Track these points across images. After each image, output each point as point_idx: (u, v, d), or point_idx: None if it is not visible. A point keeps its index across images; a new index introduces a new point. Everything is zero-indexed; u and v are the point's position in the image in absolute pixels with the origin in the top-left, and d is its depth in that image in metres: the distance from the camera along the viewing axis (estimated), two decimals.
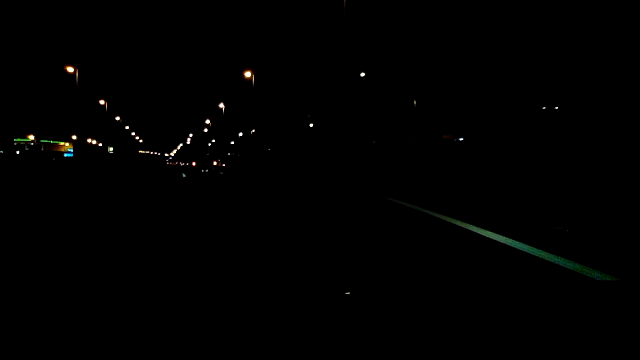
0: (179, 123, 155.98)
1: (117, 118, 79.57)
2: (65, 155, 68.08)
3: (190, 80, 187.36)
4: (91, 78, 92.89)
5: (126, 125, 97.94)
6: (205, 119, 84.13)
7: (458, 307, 1.21)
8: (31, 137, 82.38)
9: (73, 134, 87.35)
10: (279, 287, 1.87)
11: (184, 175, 24.99)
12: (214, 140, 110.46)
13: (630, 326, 1.03)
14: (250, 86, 45.27)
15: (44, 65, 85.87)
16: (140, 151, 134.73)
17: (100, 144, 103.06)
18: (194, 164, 53.25)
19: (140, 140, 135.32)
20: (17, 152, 69.64)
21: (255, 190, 14.06)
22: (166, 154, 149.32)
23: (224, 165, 49.26)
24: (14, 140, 78.76)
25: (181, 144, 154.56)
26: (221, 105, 64.64)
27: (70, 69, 49.63)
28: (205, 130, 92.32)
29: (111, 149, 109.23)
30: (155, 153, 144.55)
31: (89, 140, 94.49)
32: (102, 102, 68.52)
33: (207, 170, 34.64)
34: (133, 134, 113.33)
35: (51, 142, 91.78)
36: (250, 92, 46.26)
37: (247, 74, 44.95)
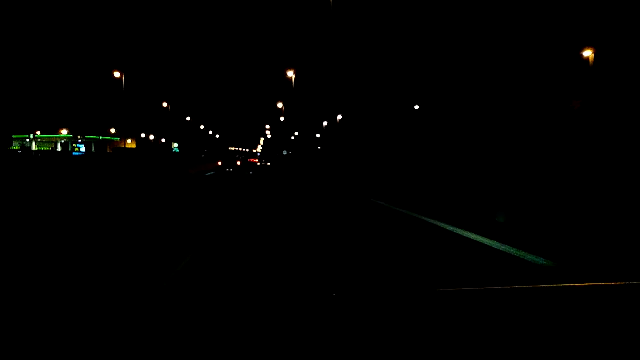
0: (253, 113, 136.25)
1: (165, 104, 59.21)
2: (75, 154, 48.38)
3: (254, 59, 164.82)
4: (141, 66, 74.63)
5: (188, 117, 78.38)
6: (277, 102, 61.42)
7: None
8: (64, 132, 65.16)
9: (111, 128, 69.38)
10: None
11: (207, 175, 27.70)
12: (297, 133, 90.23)
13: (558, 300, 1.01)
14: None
15: (77, 54, 68.61)
16: (230, 148, 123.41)
17: (163, 140, 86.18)
18: (268, 163, 52.26)
19: (217, 136, 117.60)
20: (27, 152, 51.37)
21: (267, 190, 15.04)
22: (254, 150, 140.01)
23: (268, 164, 47.81)
24: (41, 136, 62.46)
25: (263, 138, 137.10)
26: (290, 73, 40.58)
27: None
28: (282, 118, 69.80)
29: (175, 145, 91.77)
30: (244, 149, 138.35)
31: (142, 136, 76.60)
32: (142, 88, 48.85)
33: (231, 170, 35.79)
34: (202, 127, 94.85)
35: (100, 138, 74.04)
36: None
37: None
